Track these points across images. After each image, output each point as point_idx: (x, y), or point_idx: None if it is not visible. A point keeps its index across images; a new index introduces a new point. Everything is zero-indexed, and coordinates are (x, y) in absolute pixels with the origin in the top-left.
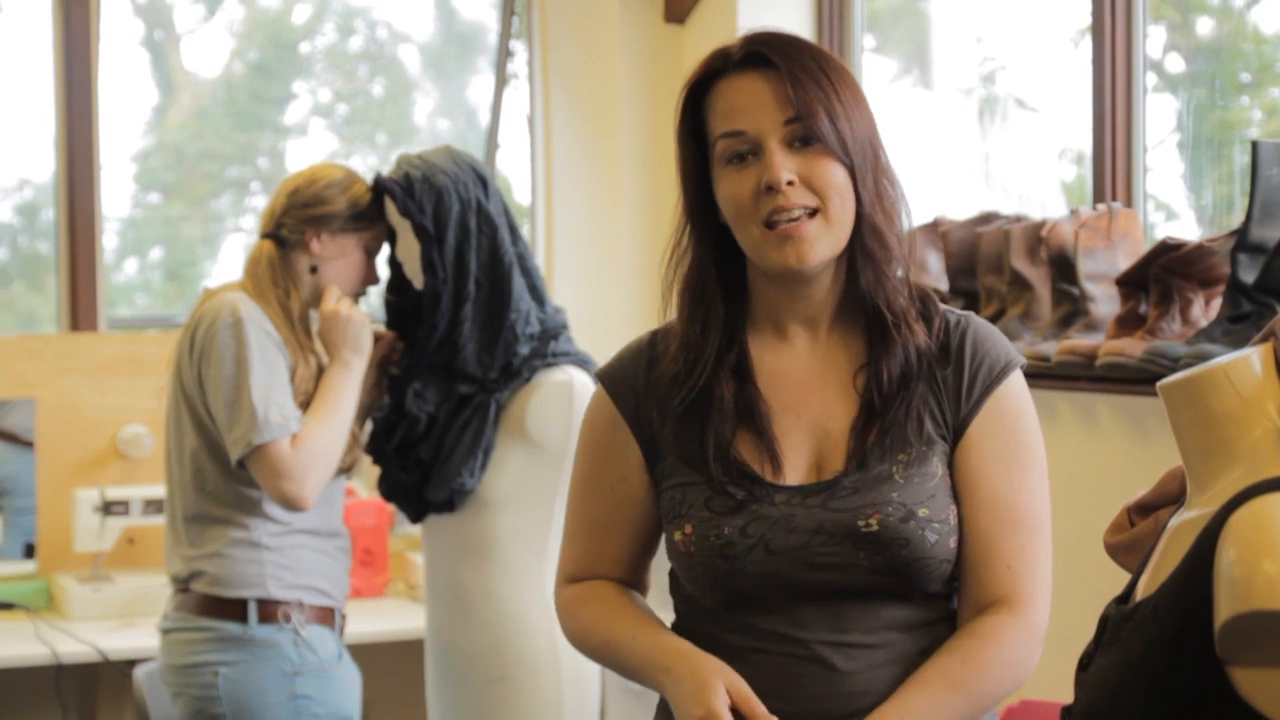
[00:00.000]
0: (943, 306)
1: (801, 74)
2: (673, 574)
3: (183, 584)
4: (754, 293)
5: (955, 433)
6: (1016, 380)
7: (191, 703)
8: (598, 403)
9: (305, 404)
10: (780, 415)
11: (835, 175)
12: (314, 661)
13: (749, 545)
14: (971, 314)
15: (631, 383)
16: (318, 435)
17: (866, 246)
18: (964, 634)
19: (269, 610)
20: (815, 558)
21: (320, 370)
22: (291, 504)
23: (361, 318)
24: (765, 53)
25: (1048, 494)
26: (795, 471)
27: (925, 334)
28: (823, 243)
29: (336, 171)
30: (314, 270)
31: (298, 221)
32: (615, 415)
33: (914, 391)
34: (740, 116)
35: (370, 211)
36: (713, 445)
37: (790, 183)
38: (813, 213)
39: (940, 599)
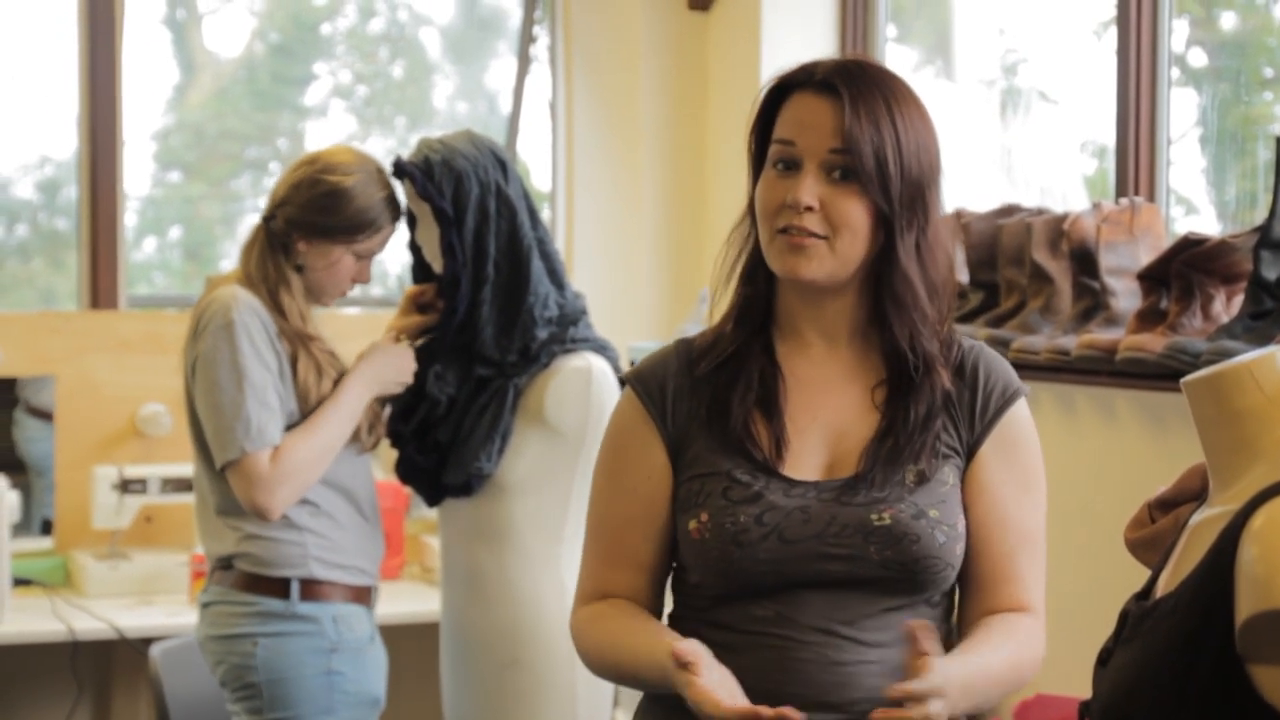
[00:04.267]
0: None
1: (864, 110)
2: (676, 570)
3: (225, 562)
4: (779, 293)
5: (969, 450)
6: (1024, 406)
7: (230, 670)
8: (624, 405)
9: (306, 400)
10: (798, 411)
11: (855, 215)
12: (350, 640)
13: (763, 534)
14: (982, 343)
15: (660, 379)
16: (298, 450)
17: (895, 292)
18: (1013, 620)
19: (311, 589)
20: (827, 549)
21: (330, 364)
22: (260, 515)
23: (409, 364)
24: (836, 82)
25: (1045, 515)
26: (807, 467)
27: (949, 376)
28: (821, 265)
29: (349, 172)
30: (300, 269)
31: (289, 222)
32: (642, 412)
33: (933, 426)
34: (796, 130)
35: (374, 219)
36: (735, 412)
37: (810, 208)
38: (822, 238)
39: (938, 612)
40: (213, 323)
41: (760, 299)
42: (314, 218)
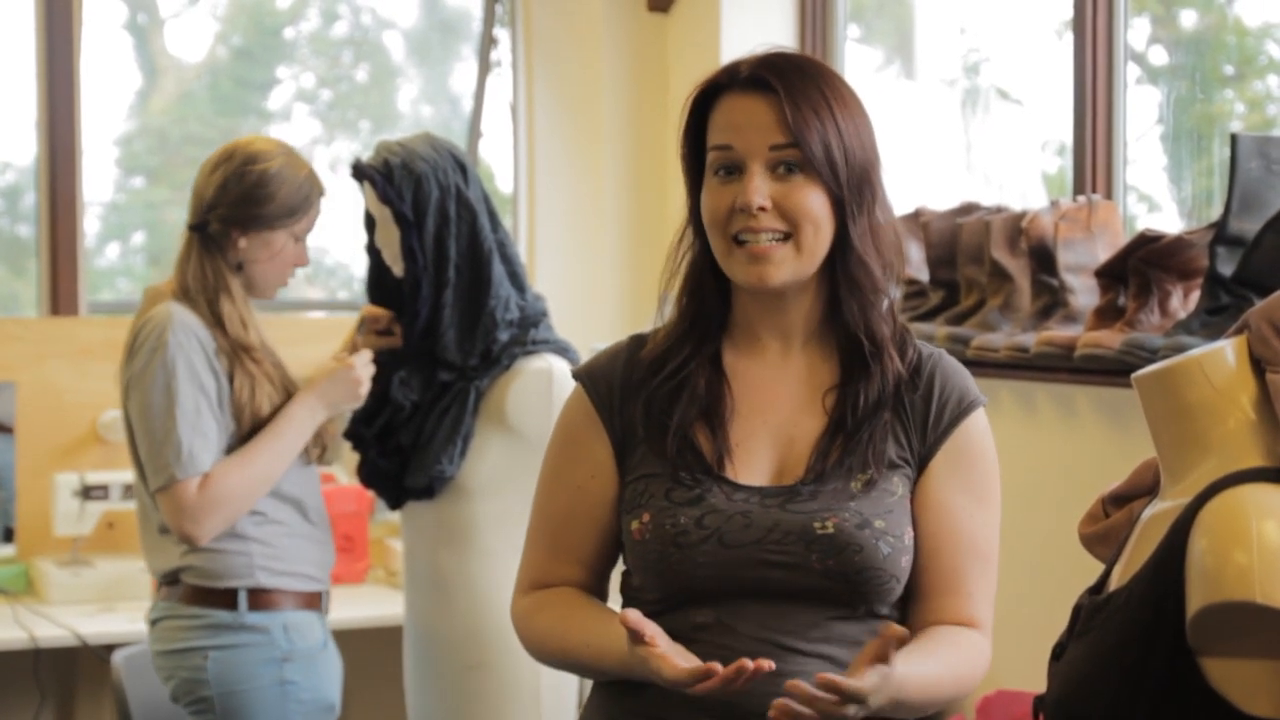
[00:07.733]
0: (916, 341)
1: (802, 101)
2: (625, 574)
3: (170, 577)
4: (734, 299)
5: (920, 460)
6: (981, 417)
7: (182, 684)
8: (573, 400)
9: (241, 416)
10: (746, 416)
11: (813, 205)
12: (303, 648)
13: (704, 536)
14: (942, 351)
15: (609, 377)
16: (229, 477)
17: (852, 276)
18: (958, 633)
19: (259, 598)
20: (768, 555)
21: (267, 377)
22: (187, 542)
23: (366, 386)
24: (767, 77)
25: (999, 530)
26: (755, 473)
27: (901, 364)
28: (787, 267)
29: (271, 158)
30: (240, 267)
31: (224, 222)
32: (590, 409)
33: (882, 418)
34: (732, 133)
35: (306, 195)
36: (675, 425)
37: (762, 208)
38: (785, 237)
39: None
40: (147, 343)
41: (709, 311)
42: (251, 210)
